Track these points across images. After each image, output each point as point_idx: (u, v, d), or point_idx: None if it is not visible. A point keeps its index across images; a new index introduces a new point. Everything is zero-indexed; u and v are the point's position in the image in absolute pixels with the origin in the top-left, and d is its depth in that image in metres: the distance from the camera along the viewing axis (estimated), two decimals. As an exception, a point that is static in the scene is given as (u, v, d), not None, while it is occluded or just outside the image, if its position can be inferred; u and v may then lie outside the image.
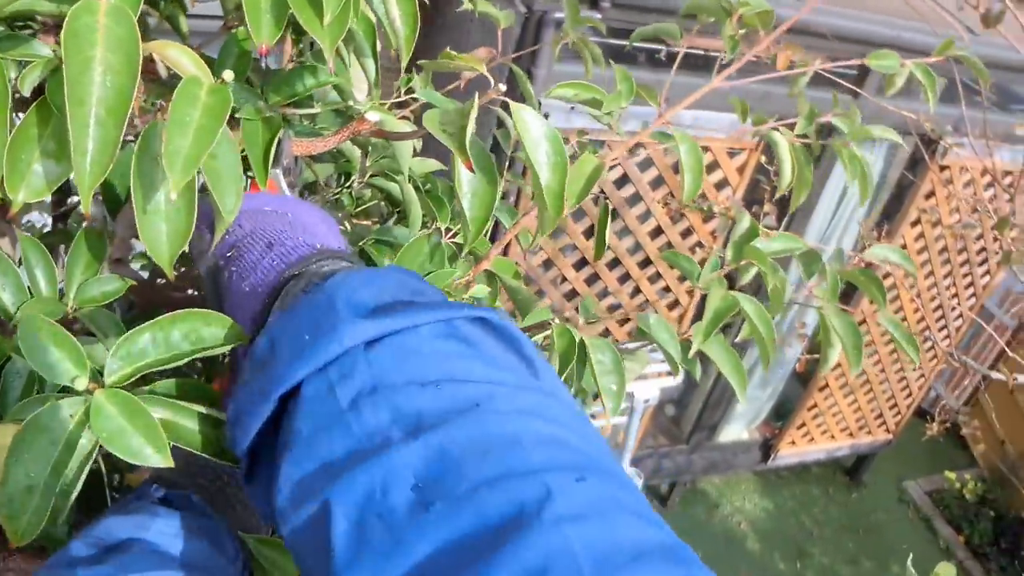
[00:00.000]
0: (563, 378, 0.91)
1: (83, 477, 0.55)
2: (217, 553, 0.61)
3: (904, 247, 4.18)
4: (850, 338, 1.00)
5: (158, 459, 0.54)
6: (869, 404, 5.10)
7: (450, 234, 0.95)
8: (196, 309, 0.61)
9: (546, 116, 3.09)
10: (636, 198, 3.50)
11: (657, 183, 3.48)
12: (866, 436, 5.37)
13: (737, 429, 4.94)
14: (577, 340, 0.91)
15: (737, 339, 1.06)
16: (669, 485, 4.98)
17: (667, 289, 3.82)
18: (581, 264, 3.61)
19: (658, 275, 3.76)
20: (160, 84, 0.68)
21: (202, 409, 0.61)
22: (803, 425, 5.00)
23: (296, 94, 0.75)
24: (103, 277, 0.74)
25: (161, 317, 0.60)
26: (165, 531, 0.59)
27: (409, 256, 0.88)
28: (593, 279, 3.73)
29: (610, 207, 0.90)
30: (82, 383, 0.55)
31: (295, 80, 0.75)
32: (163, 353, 0.59)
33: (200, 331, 0.61)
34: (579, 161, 0.85)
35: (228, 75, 0.62)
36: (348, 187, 1.11)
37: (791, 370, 4.69)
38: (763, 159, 3.38)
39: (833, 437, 5.22)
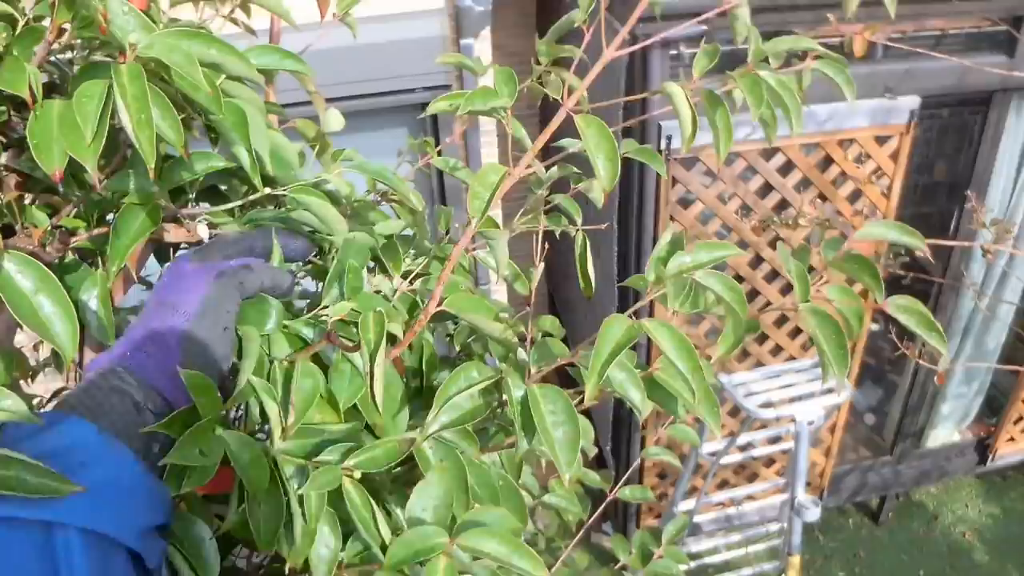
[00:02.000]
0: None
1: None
2: None
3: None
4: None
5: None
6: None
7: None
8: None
9: (668, 138, 3.00)
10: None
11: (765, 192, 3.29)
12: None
13: (946, 432, 4.56)
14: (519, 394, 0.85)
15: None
16: (879, 499, 4.65)
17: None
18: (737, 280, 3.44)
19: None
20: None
21: None
22: (1020, 419, 4.57)
23: (182, 180, 0.80)
24: None
25: None
26: None
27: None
28: (753, 294, 3.55)
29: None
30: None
31: (179, 168, 0.81)
32: None
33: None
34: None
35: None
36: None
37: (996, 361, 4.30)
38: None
39: (1060, 427, 4.74)
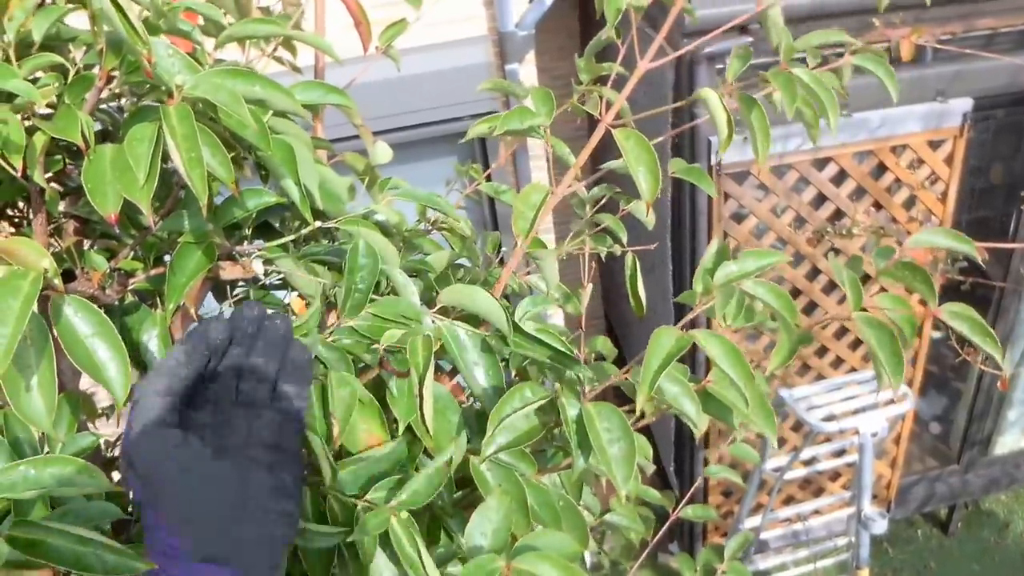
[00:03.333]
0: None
1: None
2: None
3: None
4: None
5: None
6: None
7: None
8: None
9: (719, 153, 2.99)
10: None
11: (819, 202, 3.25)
12: None
13: (1014, 438, 4.45)
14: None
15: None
16: (948, 509, 4.55)
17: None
18: (794, 294, 3.41)
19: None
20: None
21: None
22: (1092, 422, 4.45)
23: (235, 218, 0.81)
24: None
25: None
26: None
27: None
28: (811, 307, 3.51)
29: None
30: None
31: (232, 205, 0.82)
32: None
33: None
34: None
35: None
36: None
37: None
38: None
39: None
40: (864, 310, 0.99)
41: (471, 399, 0.99)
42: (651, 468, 1.40)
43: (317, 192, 0.91)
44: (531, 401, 0.88)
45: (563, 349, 0.92)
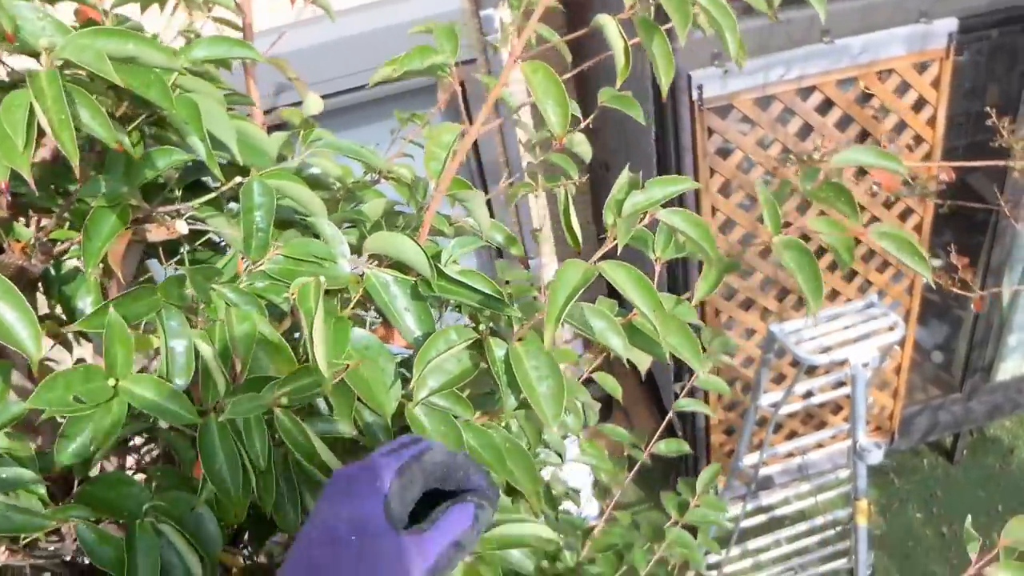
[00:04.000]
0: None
1: None
2: None
3: None
4: None
5: None
6: None
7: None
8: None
9: (700, 88, 2.94)
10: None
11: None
12: None
13: (1016, 363, 4.42)
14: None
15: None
16: (952, 438, 4.55)
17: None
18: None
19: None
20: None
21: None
22: (1094, 344, 4.43)
23: (147, 178, 0.81)
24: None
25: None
26: None
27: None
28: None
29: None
30: None
31: (142, 166, 0.82)
32: None
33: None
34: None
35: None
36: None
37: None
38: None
39: None
40: (806, 237, 0.98)
41: None
42: (595, 408, 1.40)
43: (235, 146, 0.90)
44: (456, 343, 0.87)
45: (491, 292, 0.91)
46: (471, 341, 0.88)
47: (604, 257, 0.81)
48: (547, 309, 0.77)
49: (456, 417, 0.92)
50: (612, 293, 0.95)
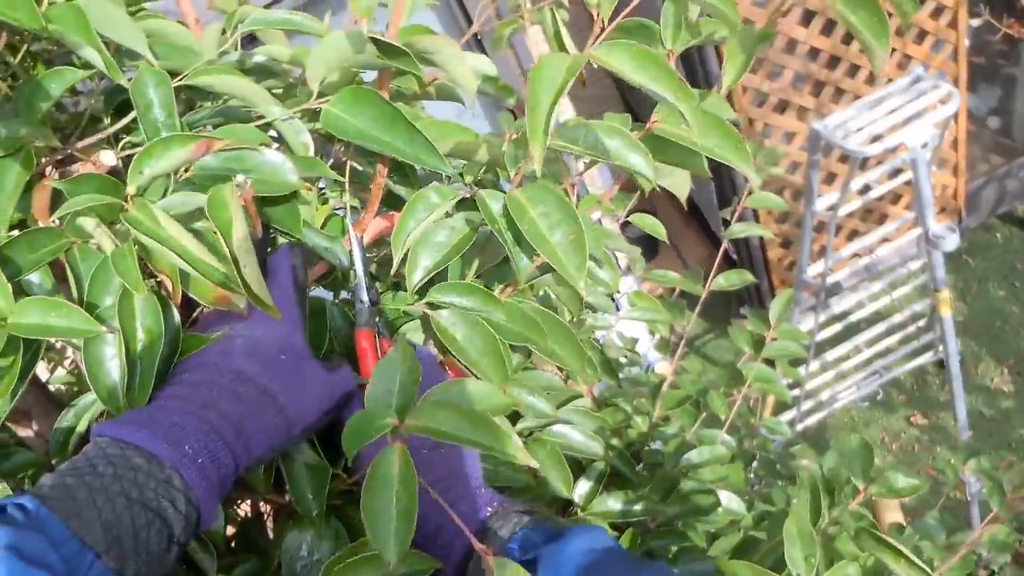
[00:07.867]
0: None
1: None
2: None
3: None
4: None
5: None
6: None
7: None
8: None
9: None
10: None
11: None
12: None
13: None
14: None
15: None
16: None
17: None
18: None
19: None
20: None
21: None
22: None
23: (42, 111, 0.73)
24: None
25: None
26: None
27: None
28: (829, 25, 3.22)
29: None
30: None
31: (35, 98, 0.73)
32: None
33: None
34: None
35: None
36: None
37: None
38: None
39: None
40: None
41: None
42: (636, 254, 1.23)
43: (145, 49, 0.76)
44: (437, 205, 0.70)
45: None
46: (457, 200, 0.71)
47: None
48: (528, 119, 0.58)
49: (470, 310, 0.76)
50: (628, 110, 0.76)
